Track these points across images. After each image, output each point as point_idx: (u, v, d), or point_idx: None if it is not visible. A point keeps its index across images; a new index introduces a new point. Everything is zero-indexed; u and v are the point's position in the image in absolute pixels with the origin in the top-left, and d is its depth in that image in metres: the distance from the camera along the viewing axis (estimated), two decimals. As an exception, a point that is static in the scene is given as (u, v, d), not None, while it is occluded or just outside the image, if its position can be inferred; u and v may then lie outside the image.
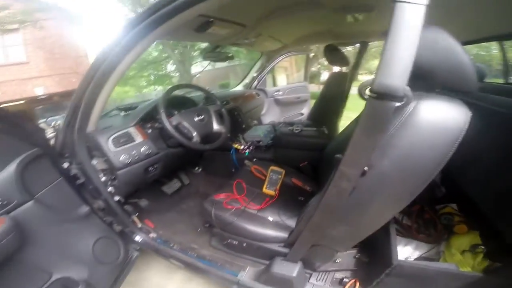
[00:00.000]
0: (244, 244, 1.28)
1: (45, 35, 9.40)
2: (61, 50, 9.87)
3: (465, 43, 1.48)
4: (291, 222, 1.21)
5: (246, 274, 1.22)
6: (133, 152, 1.35)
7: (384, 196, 0.81)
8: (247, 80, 3.20)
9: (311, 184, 1.53)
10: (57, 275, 1.12)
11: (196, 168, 2.29)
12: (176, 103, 1.68)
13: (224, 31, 1.72)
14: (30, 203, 1.08)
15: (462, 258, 1.05)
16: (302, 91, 3.66)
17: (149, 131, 1.52)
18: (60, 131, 1.24)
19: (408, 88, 0.59)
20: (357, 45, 2.51)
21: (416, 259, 1.14)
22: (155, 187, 1.94)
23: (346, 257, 1.19)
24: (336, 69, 2.63)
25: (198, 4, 0.94)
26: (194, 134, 1.52)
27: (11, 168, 1.04)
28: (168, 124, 1.41)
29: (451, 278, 0.95)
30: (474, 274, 0.94)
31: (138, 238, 1.48)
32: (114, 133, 1.33)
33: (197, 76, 10.24)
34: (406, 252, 1.16)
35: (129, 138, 1.38)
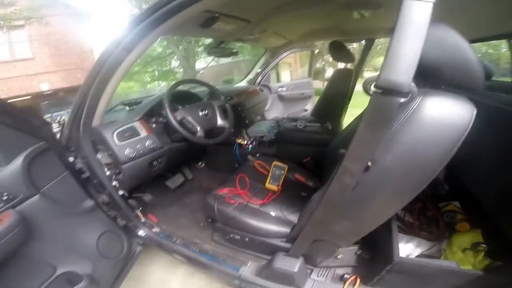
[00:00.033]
0: (246, 239, 1.28)
1: (50, 32, 9.45)
2: (66, 46, 9.91)
3: (473, 41, 1.47)
4: (293, 218, 1.21)
5: (248, 269, 1.23)
6: (138, 146, 1.37)
7: (387, 192, 0.81)
8: (251, 76, 3.20)
9: (314, 180, 1.53)
10: (61, 269, 1.13)
11: (200, 163, 2.30)
12: (180, 98, 1.69)
13: (229, 27, 1.72)
14: (36, 197, 1.08)
15: (463, 256, 1.05)
16: (306, 87, 3.65)
17: (154, 125, 1.53)
18: (65, 126, 1.25)
19: (413, 84, 0.59)
20: (363, 42, 2.50)
21: (417, 256, 1.14)
22: (159, 182, 1.95)
23: (348, 253, 1.20)
24: (341, 65, 2.61)
25: (203, 0, 0.94)
26: (198, 128, 1.52)
27: (18, 161, 1.04)
28: (172, 119, 1.42)
29: (452, 276, 0.96)
30: (474, 272, 0.95)
31: (141, 232, 1.49)
32: (119, 127, 1.35)
33: (201, 72, 10.23)
34: (408, 249, 1.17)
35: (134, 132, 1.39)
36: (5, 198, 0.99)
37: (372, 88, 0.62)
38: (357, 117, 1.32)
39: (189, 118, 1.52)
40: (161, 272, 1.66)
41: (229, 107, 1.81)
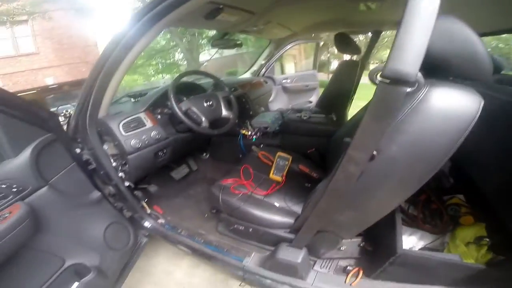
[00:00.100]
0: (250, 230, 1.30)
1: (53, 26, 9.52)
2: (70, 40, 9.97)
3: (482, 34, 1.44)
4: (297, 208, 1.22)
5: (251, 260, 1.24)
6: (143, 137, 1.38)
7: (392, 182, 0.81)
8: (255, 68, 3.19)
9: (318, 171, 1.54)
10: (70, 261, 1.14)
11: (204, 154, 2.31)
12: (185, 89, 1.69)
13: (233, 18, 1.71)
14: (44, 189, 1.09)
15: (466, 249, 1.05)
16: (311, 79, 3.62)
17: (159, 116, 1.54)
18: (72, 117, 1.26)
19: (420, 75, 0.59)
20: (369, 34, 2.47)
21: (420, 249, 1.14)
22: (164, 173, 1.97)
23: (351, 245, 1.20)
24: (347, 58, 2.58)
25: (208, -9, 0.93)
26: (203, 119, 1.53)
27: (26, 153, 1.05)
28: (177, 110, 1.42)
29: (454, 269, 0.96)
30: (477, 266, 0.95)
31: (147, 224, 1.51)
32: (125, 118, 1.35)
33: (204, 64, 10.21)
34: (411, 242, 1.17)
35: (139, 123, 1.40)
36: (14, 190, 1.00)
37: (378, 77, 0.62)
38: (362, 108, 1.31)
39: (194, 109, 1.52)
40: (166, 264, 1.69)
41: (233, 98, 1.81)
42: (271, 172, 1.47)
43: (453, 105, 0.67)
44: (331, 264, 1.20)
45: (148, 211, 1.56)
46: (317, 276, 1.14)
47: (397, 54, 0.59)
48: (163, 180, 1.94)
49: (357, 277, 1.09)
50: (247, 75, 3.21)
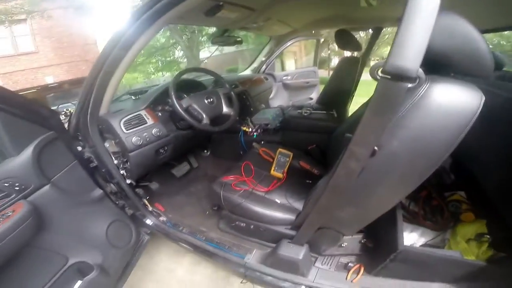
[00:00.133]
0: (252, 226, 1.30)
1: (52, 25, 9.52)
2: (69, 39, 9.96)
3: (484, 31, 1.43)
4: (298, 205, 1.22)
5: (253, 257, 1.25)
6: (145, 134, 1.38)
7: (393, 178, 0.81)
8: (255, 65, 3.19)
9: (319, 167, 1.54)
10: (73, 259, 1.14)
11: (205, 151, 2.32)
12: (185, 87, 1.69)
13: (233, 15, 1.70)
14: (46, 187, 1.09)
15: (467, 246, 1.05)
16: (311, 76, 3.62)
17: (160, 114, 1.54)
18: (73, 115, 1.26)
19: (421, 70, 0.59)
20: (370, 30, 2.45)
21: (421, 246, 1.15)
22: (165, 170, 1.97)
23: (352, 242, 1.20)
24: (347, 54, 2.57)
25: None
26: (204, 116, 1.53)
27: (28, 151, 1.05)
28: (178, 107, 1.43)
29: (455, 266, 0.96)
30: (477, 263, 0.95)
31: (149, 221, 1.52)
32: (126, 116, 1.36)
33: (204, 61, 10.19)
34: (412, 238, 1.17)
35: (140, 121, 1.40)
36: (17, 188, 1.00)
37: (379, 73, 0.62)
38: (363, 104, 1.30)
39: (195, 106, 1.52)
40: (167, 261, 1.69)
41: (234, 95, 1.81)
42: (272, 168, 1.47)
43: (454, 101, 0.67)
44: (332, 261, 1.20)
45: (150, 208, 1.56)
46: (318, 273, 1.15)
47: (398, 50, 0.59)
48: (164, 178, 1.95)
49: (358, 273, 1.10)
50: (247, 72, 3.21)
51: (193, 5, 1.03)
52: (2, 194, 0.99)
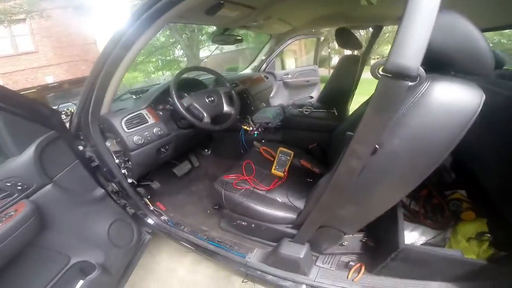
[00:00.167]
0: (253, 225, 1.30)
1: (52, 24, 9.51)
2: (68, 39, 9.95)
3: (484, 30, 1.43)
4: (299, 204, 1.22)
5: (254, 256, 1.26)
6: (146, 133, 1.38)
7: (394, 176, 0.81)
8: (255, 63, 3.19)
9: (320, 166, 1.54)
10: (75, 258, 1.14)
11: (206, 150, 2.32)
12: (186, 86, 1.69)
13: (234, 14, 1.70)
14: (48, 187, 1.10)
15: (468, 245, 1.05)
16: (311, 75, 3.62)
17: (161, 113, 1.54)
18: (74, 115, 1.27)
19: (421, 69, 0.59)
20: (370, 29, 2.45)
21: (422, 244, 1.15)
22: (166, 169, 1.97)
23: (353, 241, 1.21)
24: (347, 53, 2.57)
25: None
26: (205, 115, 1.53)
27: (30, 151, 1.05)
28: (179, 106, 1.43)
29: (456, 265, 0.97)
30: (478, 262, 0.95)
31: (150, 221, 1.52)
32: (127, 115, 1.36)
33: (204, 60, 10.18)
34: (412, 237, 1.17)
35: (141, 120, 1.40)
36: (19, 188, 1.01)
37: (380, 71, 0.62)
38: (363, 103, 1.31)
39: (196, 105, 1.52)
40: (168, 261, 1.69)
41: (235, 94, 1.81)
42: (273, 167, 1.47)
43: (455, 100, 0.67)
44: (333, 260, 1.21)
45: (151, 207, 1.57)
46: (320, 272, 1.15)
47: (399, 49, 0.59)
48: (165, 177, 1.95)
49: (359, 272, 1.10)
50: (247, 71, 3.21)
51: (193, 4, 1.03)
52: (5, 194, 0.99)
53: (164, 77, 11.11)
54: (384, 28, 2.37)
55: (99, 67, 1.13)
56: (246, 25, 2.19)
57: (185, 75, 1.64)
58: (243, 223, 1.34)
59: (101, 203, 1.34)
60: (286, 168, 1.46)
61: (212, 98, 1.64)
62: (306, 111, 2.07)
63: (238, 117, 1.80)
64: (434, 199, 1.25)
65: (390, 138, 0.73)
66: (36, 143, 1.08)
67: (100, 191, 1.33)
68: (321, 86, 3.26)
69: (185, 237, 1.44)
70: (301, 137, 1.93)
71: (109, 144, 1.35)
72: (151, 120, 1.44)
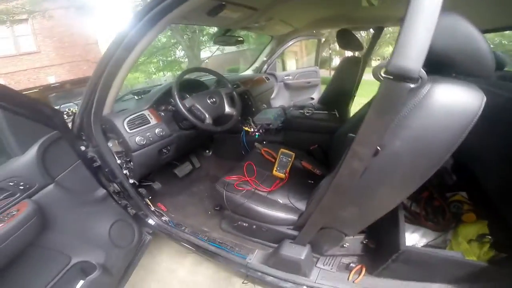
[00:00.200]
0: (254, 226, 1.30)
1: (54, 25, 9.51)
2: (70, 39, 9.95)
3: (485, 31, 1.43)
4: (301, 205, 1.22)
5: (255, 257, 1.26)
6: (148, 134, 1.39)
7: (395, 178, 0.81)
8: (256, 64, 3.19)
9: (321, 168, 1.54)
10: (76, 258, 1.14)
11: (207, 151, 2.32)
12: (188, 87, 1.70)
13: (236, 15, 1.71)
14: (50, 187, 1.10)
15: (469, 247, 1.05)
16: (313, 76, 3.61)
17: (163, 113, 1.55)
18: (77, 115, 1.27)
19: (423, 71, 0.59)
20: (371, 30, 2.46)
21: (422, 246, 1.15)
22: (167, 170, 1.98)
23: (353, 242, 1.21)
24: (348, 54, 2.57)
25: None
26: (207, 116, 1.54)
27: (32, 151, 1.05)
28: (182, 106, 1.43)
29: (456, 267, 0.96)
30: (479, 263, 0.95)
31: (151, 221, 1.53)
32: (129, 116, 1.37)
33: (205, 61, 10.20)
34: (413, 239, 1.17)
35: (143, 120, 1.41)
36: (21, 187, 1.01)
37: (382, 74, 0.62)
38: (365, 105, 1.31)
39: (198, 106, 1.53)
40: (169, 261, 1.70)
41: (236, 95, 1.81)
42: (274, 169, 1.47)
43: (456, 102, 0.67)
44: (334, 261, 1.20)
45: (152, 208, 1.57)
46: (320, 273, 1.15)
47: (401, 51, 0.59)
48: (167, 178, 1.95)
49: (360, 274, 1.10)
50: (249, 72, 3.21)
51: (196, 5, 1.04)
52: (7, 193, 1.00)
53: (165, 78, 11.13)
54: (384, 29, 2.38)
55: (102, 67, 1.13)
56: (248, 26, 2.19)
57: (186, 76, 1.65)
58: (244, 224, 1.34)
59: (103, 204, 1.34)
60: (287, 170, 1.46)
61: (214, 99, 1.65)
62: (307, 112, 2.07)
63: (239, 118, 1.80)
64: (435, 201, 1.24)
65: (392, 140, 0.73)
66: (39, 143, 1.08)
67: (101, 192, 1.34)
68: (322, 88, 3.26)
69: (186, 238, 1.44)
70: (302, 138, 1.93)
71: (111, 145, 1.36)
72: (153, 121, 1.44)
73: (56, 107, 1.34)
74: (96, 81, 1.16)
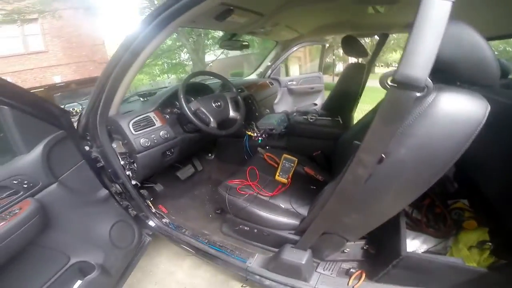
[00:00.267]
0: (255, 230, 1.31)
1: (63, 25, 9.58)
2: (78, 39, 10.04)
3: (489, 38, 1.44)
4: (302, 210, 1.22)
5: (255, 261, 1.25)
6: (152, 136, 1.40)
7: (399, 185, 0.82)
8: (261, 69, 3.20)
9: (324, 174, 1.54)
10: (74, 258, 1.14)
11: (209, 155, 2.33)
12: (193, 90, 1.71)
13: (243, 20, 1.73)
14: (54, 186, 1.10)
15: (469, 253, 1.06)
16: (316, 82, 3.62)
17: (168, 116, 1.56)
18: (83, 115, 1.28)
19: (429, 80, 0.60)
20: (375, 37, 2.46)
21: (423, 252, 1.15)
22: (170, 172, 1.98)
23: (354, 248, 1.21)
24: (352, 60, 2.58)
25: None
26: (211, 119, 1.54)
27: (38, 150, 1.06)
28: (187, 110, 1.44)
29: (457, 273, 0.97)
30: (478, 270, 0.95)
31: (151, 223, 1.53)
32: (135, 117, 1.38)
33: (210, 64, 10.26)
34: (414, 245, 1.17)
35: (148, 122, 1.42)
36: (25, 186, 1.01)
37: (389, 82, 0.63)
38: (369, 112, 1.31)
39: (203, 109, 1.54)
40: (167, 264, 1.70)
41: (241, 99, 1.82)
42: (277, 173, 1.47)
43: (461, 110, 0.68)
44: (334, 266, 1.20)
45: (153, 210, 1.57)
46: (320, 278, 1.15)
47: (408, 60, 0.60)
48: (169, 180, 1.96)
49: (359, 279, 1.10)
50: (253, 76, 3.23)
51: (205, 9, 1.05)
52: (11, 191, 1.00)
53: (169, 80, 11.20)
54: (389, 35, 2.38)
55: (110, 69, 1.14)
56: (254, 31, 2.21)
57: (191, 79, 1.66)
58: (246, 228, 1.34)
59: (105, 204, 1.35)
60: (290, 175, 1.46)
61: (219, 103, 1.66)
62: (311, 118, 2.08)
63: (243, 122, 1.81)
64: (437, 208, 1.25)
65: (397, 148, 0.73)
66: (44, 142, 1.08)
67: (104, 192, 1.34)
68: (325, 93, 3.26)
69: (186, 240, 1.44)
70: (305, 144, 1.93)
71: (115, 146, 1.37)
72: (158, 123, 1.46)
73: (61, 106, 1.35)
74: (104, 82, 1.17)
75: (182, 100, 1.43)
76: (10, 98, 0.99)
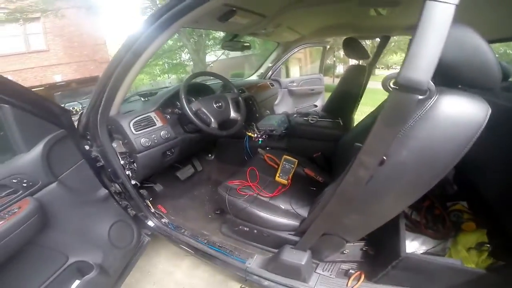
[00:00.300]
0: (255, 231, 1.30)
1: (65, 24, 9.58)
2: (79, 39, 10.02)
3: (491, 41, 1.44)
4: (303, 211, 1.22)
5: (254, 261, 1.25)
6: (153, 136, 1.40)
7: (400, 186, 0.82)
8: (262, 70, 3.20)
9: (324, 175, 1.54)
10: (73, 258, 1.13)
11: (209, 155, 2.32)
12: (194, 90, 1.71)
13: (245, 21, 1.73)
14: (53, 185, 1.10)
15: (468, 255, 1.06)
16: (317, 83, 3.62)
17: (168, 116, 1.56)
18: (84, 114, 1.28)
19: (431, 83, 0.60)
20: (376, 39, 2.47)
21: (422, 254, 1.15)
22: (169, 172, 1.98)
23: (353, 249, 1.21)
24: (352, 62, 2.59)
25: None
26: (212, 120, 1.54)
27: (38, 148, 1.05)
28: (188, 110, 1.44)
29: (455, 274, 0.97)
30: (477, 271, 0.96)
31: (150, 223, 1.52)
32: (136, 117, 1.38)
33: (210, 65, 10.26)
34: (413, 246, 1.17)
35: (149, 122, 1.42)
36: (24, 185, 1.01)
37: (391, 84, 0.63)
38: (369, 114, 1.31)
39: (204, 110, 1.54)
40: (166, 264, 1.69)
41: (242, 100, 1.82)
42: (277, 175, 1.47)
43: (462, 113, 0.68)
44: (333, 267, 1.21)
45: (152, 210, 1.57)
46: (319, 279, 1.16)
47: (411, 63, 0.60)
48: (168, 180, 1.96)
49: (358, 280, 1.11)
50: (254, 77, 3.23)
51: (208, 10, 1.05)
52: (10, 190, 1.00)
53: (170, 80, 11.20)
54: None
55: (112, 68, 1.14)
56: (256, 32, 2.22)
57: (193, 80, 1.67)
58: (245, 228, 1.34)
59: (104, 204, 1.34)
60: (290, 176, 1.46)
61: (220, 104, 1.66)
62: (311, 120, 2.08)
63: (243, 123, 1.81)
64: (436, 209, 1.25)
65: (398, 150, 0.74)
66: (45, 141, 1.08)
67: (103, 192, 1.33)
68: (326, 95, 3.26)
69: (185, 240, 1.44)
70: (305, 145, 1.94)
71: (115, 145, 1.37)
72: (159, 123, 1.45)
73: (61, 105, 1.35)
74: (106, 81, 1.17)
75: (184, 100, 1.43)
76: (11, 97, 0.99)
